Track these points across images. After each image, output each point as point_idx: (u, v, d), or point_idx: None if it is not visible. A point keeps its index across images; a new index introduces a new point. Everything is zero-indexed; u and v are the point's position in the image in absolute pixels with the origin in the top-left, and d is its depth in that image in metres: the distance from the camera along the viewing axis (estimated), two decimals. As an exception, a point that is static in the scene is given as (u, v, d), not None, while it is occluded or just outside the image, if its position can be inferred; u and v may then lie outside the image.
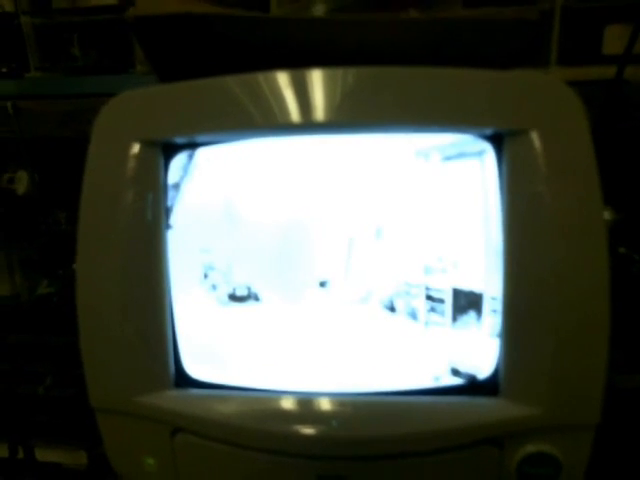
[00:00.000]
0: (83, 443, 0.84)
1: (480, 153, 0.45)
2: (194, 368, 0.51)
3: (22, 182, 0.98)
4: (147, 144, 0.48)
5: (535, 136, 0.43)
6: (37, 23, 0.93)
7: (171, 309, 0.50)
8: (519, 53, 0.55)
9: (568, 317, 0.44)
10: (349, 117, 0.44)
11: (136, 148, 0.48)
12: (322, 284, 0.48)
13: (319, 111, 0.44)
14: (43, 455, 0.88)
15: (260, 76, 0.45)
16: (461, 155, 0.46)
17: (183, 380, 0.51)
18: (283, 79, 0.45)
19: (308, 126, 0.44)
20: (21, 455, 0.87)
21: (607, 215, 0.70)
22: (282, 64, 0.45)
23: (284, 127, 0.45)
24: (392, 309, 0.48)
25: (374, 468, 0.48)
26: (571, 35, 0.76)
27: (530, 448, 0.46)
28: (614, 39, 0.75)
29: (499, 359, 0.47)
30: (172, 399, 0.50)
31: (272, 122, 0.45)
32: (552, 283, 0.44)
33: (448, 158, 0.46)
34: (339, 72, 0.44)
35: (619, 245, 0.68)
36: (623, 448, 0.57)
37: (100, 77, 0.88)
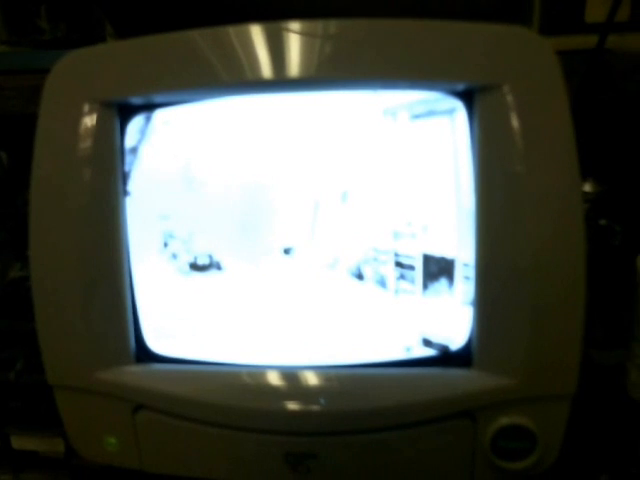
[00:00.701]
0: (60, 430, 0.82)
1: (450, 111, 0.43)
2: (156, 342, 0.49)
3: (-9, 161, 0.94)
4: (102, 105, 0.45)
5: (507, 91, 0.41)
6: (3, -5, 0.90)
7: (130, 280, 0.48)
8: (501, 14, 0.53)
9: (544, 284, 0.42)
10: (319, 72, 0.42)
11: (90, 110, 0.45)
12: (286, 251, 0.46)
13: (291, 66, 0.42)
14: (19, 443, 0.86)
15: (230, 29, 0.43)
16: (430, 113, 0.43)
17: (144, 355, 0.49)
18: (255, 32, 0.42)
19: (279, 82, 0.42)
20: (-4, 444, 0.85)
21: (589, 187, 0.69)
22: (250, 18, 0.43)
23: (253, 83, 0.43)
24: (360, 276, 0.46)
25: (343, 444, 0.46)
26: (553, 3, 0.73)
27: (504, 421, 0.44)
28: (597, 6, 0.72)
29: (472, 329, 0.45)
30: (133, 375, 0.48)
31: (240, 78, 0.43)
32: (528, 249, 0.42)
33: (417, 117, 0.44)
34: (311, 25, 0.42)
35: (600, 217, 0.67)
36: (601, 425, 0.55)
37: (69, 51, 0.84)
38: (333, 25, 0.42)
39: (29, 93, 0.86)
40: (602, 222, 0.66)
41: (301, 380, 0.46)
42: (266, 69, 0.42)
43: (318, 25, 0.42)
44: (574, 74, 0.69)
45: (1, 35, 0.91)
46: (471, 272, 0.44)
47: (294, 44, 0.42)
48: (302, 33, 0.42)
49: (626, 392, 0.58)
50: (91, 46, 0.46)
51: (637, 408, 0.50)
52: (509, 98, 0.41)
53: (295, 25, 0.42)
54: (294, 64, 0.42)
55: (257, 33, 0.42)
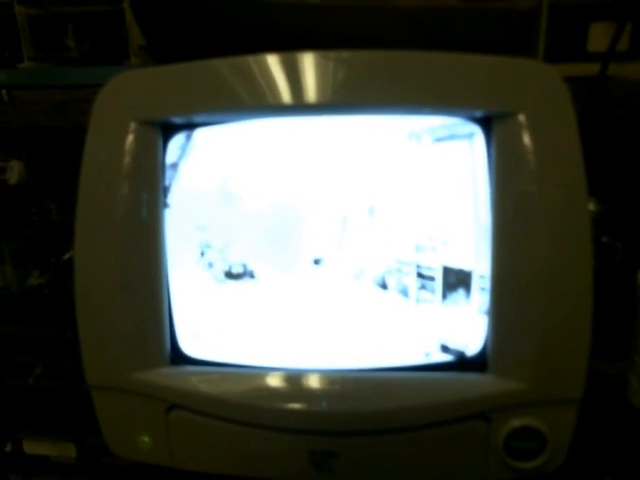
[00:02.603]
0: (71, 435, 0.84)
1: (470, 135, 0.47)
2: (190, 346, 0.52)
3: (14, 172, 0.98)
4: (146, 124, 0.49)
5: (522, 119, 0.45)
6: (31, 13, 0.93)
7: (168, 287, 0.51)
8: (509, 44, 0.56)
9: (554, 295, 0.46)
10: (338, 99, 0.45)
11: (135, 128, 0.49)
12: (316, 261, 0.49)
13: (308, 93, 0.45)
14: (31, 448, 0.88)
15: (250, 59, 0.46)
16: (452, 137, 0.47)
17: (179, 357, 0.52)
18: (273, 61, 0.46)
19: (298, 107, 0.46)
20: (9, 448, 0.87)
21: (591, 206, 0.72)
22: (275, 48, 0.47)
23: (274, 108, 0.46)
24: (384, 286, 0.49)
25: (364, 443, 0.49)
26: (557, 32, 0.77)
27: (516, 422, 0.48)
28: (599, 36, 0.77)
29: (487, 336, 0.48)
30: (167, 376, 0.51)
31: (262, 103, 0.46)
32: (539, 263, 0.45)
33: (439, 140, 0.47)
34: (330, 55, 0.46)
35: (602, 235, 0.70)
36: (605, 430, 0.59)
37: (94, 68, 0.88)
38: (346, 56, 0.45)
39: (53, 108, 0.89)
40: (604, 239, 0.70)
41: (326, 383, 0.49)
42: (284, 95, 0.45)
43: (331, 55, 0.45)
44: (576, 99, 0.73)
45: (29, 52, 0.95)
46: (487, 283, 0.47)
47: (309, 72, 0.45)
48: (316, 63, 0.45)
49: (628, 399, 0.62)
50: (137, 69, 0.50)
51: (638, 414, 0.53)
52: (524, 125, 0.45)
53: (309, 55, 0.45)
54: (310, 91, 0.45)
55: (274, 62, 0.46)
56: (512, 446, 0.48)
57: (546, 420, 0.47)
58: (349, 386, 0.49)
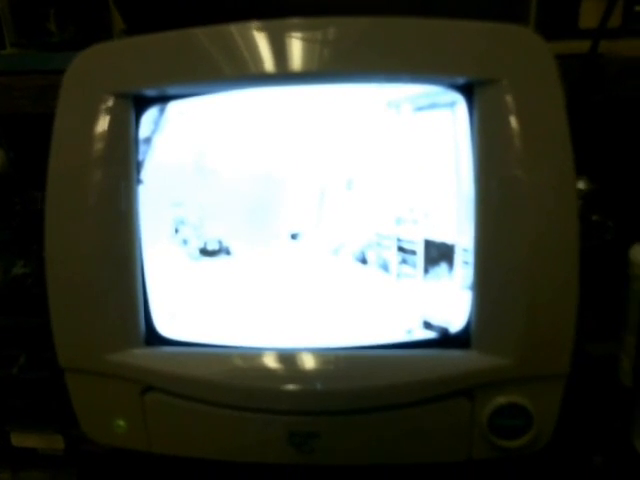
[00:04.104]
0: (58, 427, 0.83)
1: (451, 104, 0.45)
2: (165, 326, 0.50)
3: (-4, 160, 0.96)
4: (118, 97, 0.47)
5: (505, 85, 0.43)
6: (12, -1, 0.92)
7: (142, 265, 0.49)
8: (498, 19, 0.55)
9: (539, 269, 0.44)
10: (321, 66, 0.44)
11: (107, 101, 0.47)
12: (293, 236, 0.48)
13: (292, 61, 0.44)
14: (19, 440, 0.87)
15: (231, 27, 0.45)
16: (432, 106, 0.46)
17: (154, 338, 0.51)
18: (256, 29, 0.44)
19: (281, 76, 0.44)
20: (-5, 442, 0.85)
21: (582, 185, 0.71)
22: (255, 16, 0.45)
23: (256, 77, 0.45)
24: (364, 261, 0.48)
25: (346, 423, 0.48)
26: (548, 9, 0.76)
27: (501, 399, 0.46)
28: (591, 13, 0.75)
29: (471, 311, 0.47)
30: (142, 357, 0.50)
31: (243, 72, 0.45)
32: (524, 235, 0.44)
33: (419, 109, 0.46)
34: (313, 22, 0.44)
35: (593, 213, 0.69)
36: (595, 410, 0.57)
37: (77, 53, 0.86)
38: (334, 22, 0.44)
39: (37, 93, 0.88)
40: (595, 218, 0.69)
41: (305, 361, 0.48)
42: (268, 63, 0.44)
43: (318, 22, 0.44)
44: (568, 77, 0.71)
45: (10, 38, 0.93)
46: (470, 257, 0.46)
47: (295, 40, 0.44)
48: (302, 30, 0.44)
49: (618, 380, 0.60)
50: (108, 41, 0.48)
51: (628, 394, 0.52)
52: (507, 92, 0.44)
53: (295, 22, 0.44)
54: (296, 59, 0.44)
55: (259, 30, 0.44)
56: (497, 424, 0.46)
57: (532, 397, 0.46)
58: (329, 365, 0.48)
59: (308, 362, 0.48)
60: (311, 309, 0.49)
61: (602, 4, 0.73)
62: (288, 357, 0.48)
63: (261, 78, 0.45)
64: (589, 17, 0.76)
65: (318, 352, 0.48)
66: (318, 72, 0.44)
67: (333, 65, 0.44)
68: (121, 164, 0.48)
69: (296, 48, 0.44)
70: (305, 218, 0.48)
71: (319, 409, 0.47)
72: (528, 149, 0.44)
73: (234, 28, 0.45)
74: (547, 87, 0.44)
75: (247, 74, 0.45)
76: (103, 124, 0.47)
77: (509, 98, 0.44)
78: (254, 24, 0.45)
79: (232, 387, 0.48)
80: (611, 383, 0.60)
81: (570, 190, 0.44)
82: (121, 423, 0.51)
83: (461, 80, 0.45)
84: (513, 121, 0.44)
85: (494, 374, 0.46)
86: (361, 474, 0.50)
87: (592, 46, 0.71)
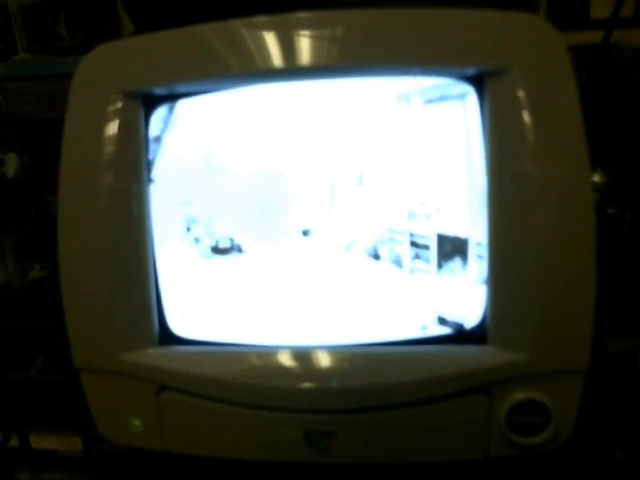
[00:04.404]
0: (77, 429, 0.84)
1: (462, 96, 0.45)
2: (178, 325, 0.50)
3: (11, 165, 0.97)
4: (127, 96, 0.47)
5: (515, 75, 0.43)
6: (24, 3, 0.93)
7: (154, 265, 0.49)
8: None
9: (555, 262, 0.44)
10: (330, 60, 0.44)
11: (116, 101, 0.47)
12: (305, 233, 0.48)
13: (299, 55, 0.43)
14: (37, 442, 0.88)
15: (238, 22, 0.45)
16: (443, 98, 0.45)
17: (168, 338, 0.51)
18: (263, 24, 0.44)
19: (289, 71, 0.44)
20: (15, 443, 0.86)
21: (598, 177, 0.70)
22: (262, 11, 0.45)
23: (264, 73, 0.44)
24: (376, 256, 0.47)
25: (362, 421, 0.47)
26: (559, 0, 0.75)
27: (519, 396, 0.45)
28: (602, 3, 0.74)
29: (486, 306, 0.46)
30: (156, 356, 0.50)
31: (252, 68, 0.44)
32: (538, 228, 0.43)
33: (430, 101, 0.45)
34: (319, 16, 0.44)
35: (610, 206, 0.68)
36: (615, 406, 0.56)
37: (87, 56, 0.86)
38: (342, 15, 0.44)
39: (48, 98, 0.89)
40: (611, 211, 0.68)
41: (319, 359, 0.48)
42: (276, 59, 0.44)
43: (327, 15, 0.44)
44: (581, 68, 0.70)
45: (22, 43, 0.94)
46: (484, 251, 0.45)
47: (303, 34, 0.43)
48: (311, 23, 0.44)
49: (638, 375, 0.59)
50: (116, 41, 0.48)
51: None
52: (517, 81, 0.43)
53: (303, 16, 0.44)
54: (304, 53, 0.43)
55: (266, 25, 0.44)
56: (515, 420, 0.45)
57: (550, 393, 0.45)
58: (344, 362, 0.47)
59: (323, 360, 0.47)
60: (324, 306, 0.48)
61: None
62: (303, 355, 0.48)
63: (269, 73, 0.45)
64: (600, 7, 0.75)
65: (333, 350, 0.48)
66: (327, 66, 0.44)
67: (342, 59, 0.44)
68: (132, 163, 0.48)
69: (304, 43, 0.43)
70: (316, 214, 0.47)
71: (335, 407, 0.47)
72: (541, 141, 0.43)
73: (241, 24, 0.45)
74: (559, 77, 0.43)
75: (255, 70, 0.44)
76: (113, 124, 0.47)
77: (520, 88, 0.43)
78: (261, 19, 0.44)
79: (247, 385, 0.47)
80: (631, 378, 0.59)
81: (585, 183, 0.44)
82: (137, 423, 0.51)
83: (471, 71, 0.44)
84: (525, 112, 0.43)
85: (511, 370, 0.45)
86: (376, 472, 0.50)
87: (605, 36, 0.70)
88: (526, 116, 0.43)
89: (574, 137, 0.43)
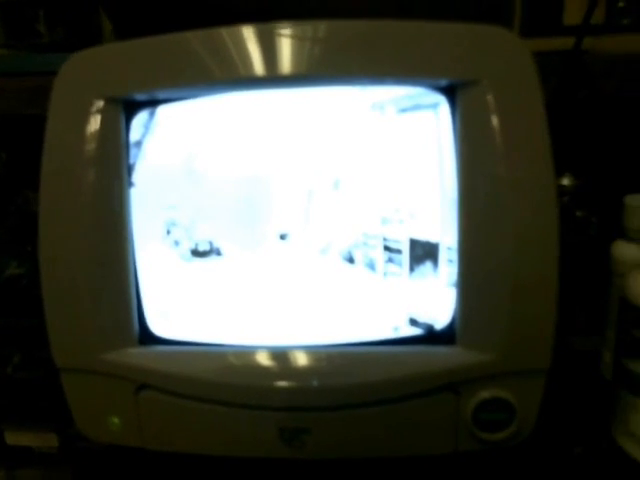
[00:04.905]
0: (53, 425, 0.84)
1: (434, 105, 0.46)
2: (158, 325, 0.51)
3: (-10, 161, 0.96)
4: (108, 101, 0.48)
5: (486, 86, 0.44)
6: (1, 0, 0.92)
7: (134, 266, 0.50)
8: (485, 18, 0.56)
9: (521, 266, 0.45)
10: (310, 69, 0.45)
11: (97, 105, 0.48)
12: (282, 237, 0.49)
13: (280, 63, 0.45)
14: (13, 439, 0.87)
15: (222, 30, 0.46)
16: (416, 107, 0.47)
17: (147, 338, 0.52)
18: (246, 33, 0.45)
19: (270, 78, 0.45)
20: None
21: (567, 181, 0.72)
22: (241, 20, 0.46)
23: (246, 80, 0.46)
24: (351, 260, 0.49)
25: (336, 418, 0.49)
26: (533, 6, 0.77)
27: (485, 394, 0.48)
28: (575, 9, 0.76)
29: (455, 309, 0.48)
30: (136, 356, 0.51)
31: (234, 76, 0.45)
32: (506, 234, 0.45)
33: (403, 110, 0.47)
34: (299, 25, 0.45)
35: (577, 209, 0.70)
36: (577, 403, 0.59)
37: (67, 54, 0.87)
38: (322, 26, 0.45)
39: (28, 95, 0.88)
40: (579, 214, 0.70)
41: (295, 359, 0.49)
42: (258, 67, 0.45)
43: (307, 26, 0.45)
44: (553, 73, 0.73)
45: (0, 39, 0.94)
46: (454, 255, 0.47)
47: (284, 43, 0.45)
48: (292, 33, 0.45)
49: (601, 373, 0.62)
50: (97, 46, 0.49)
51: (609, 387, 0.53)
52: (488, 93, 0.45)
53: (285, 25, 0.45)
54: (285, 62, 0.45)
55: (248, 33, 0.45)
56: (481, 418, 0.48)
57: (514, 391, 0.48)
58: (319, 362, 0.49)
59: (298, 359, 0.49)
60: (300, 308, 0.50)
61: (585, 0, 0.74)
62: (279, 355, 0.49)
63: (251, 81, 0.46)
64: (573, 13, 0.78)
65: (308, 350, 0.49)
66: (306, 75, 0.45)
67: (321, 68, 0.45)
68: (112, 167, 0.49)
69: (285, 51, 0.45)
70: (293, 219, 0.49)
71: (309, 405, 0.48)
72: (509, 148, 0.45)
73: (224, 31, 0.46)
74: (527, 87, 0.45)
75: (237, 77, 0.45)
76: (94, 128, 0.48)
77: (490, 98, 0.45)
78: (244, 28, 0.45)
79: (224, 384, 0.49)
80: (594, 377, 0.62)
81: (550, 188, 0.45)
82: (115, 420, 0.52)
83: (443, 82, 0.46)
84: (494, 121, 0.45)
85: (478, 369, 0.47)
86: (350, 466, 0.52)
87: (576, 43, 0.72)
88: (495, 125, 0.45)
89: (540, 144, 0.45)
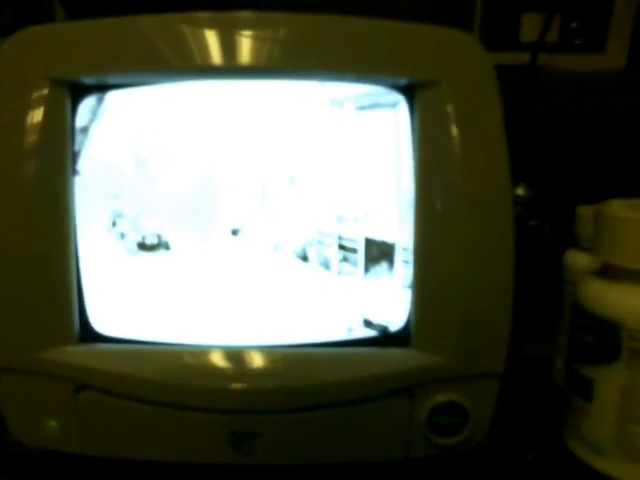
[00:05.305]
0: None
1: (394, 104, 0.46)
2: (101, 323, 0.49)
3: None
4: (53, 84, 0.45)
5: (444, 87, 0.44)
6: (-52, -17, 0.88)
7: (77, 259, 0.48)
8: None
9: (476, 270, 0.45)
10: (269, 61, 0.44)
11: (41, 87, 0.45)
12: (234, 232, 0.47)
13: (238, 54, 0.43)
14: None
15: (179, 17, 0.44)
16: (375, 106, 0.46)
17: (88, 335, 0.49)
18: (204, 20, 0.44)
19: (227, 69, 0.44)
20: None
21: (521, 191, 0.74)
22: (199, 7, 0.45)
23: (202, 69, 0.44)
24: (305, 258, 0.48)
25: (287, 422, 0.47)
26: (491, 21, 0.79)
27: (439, 397, 0.47)
28: (531, 27, 0.78)
29: (410, 311, 0.47)
30: (76, 354, 0.48)
31: (189, 64, 0.44)
32: (461, 237, 0.45)
33: (362, 108, 0.46)
34: (260, 17, 0.44)
35: (531, 219, 0.72)
36: (529, 409, 0.59)
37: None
38: (283, 18, 0.44)
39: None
40: (532, 223, 0.71)
41: (245, 359, 0.47)
42: (215, 56, 0.43)
43: (267, 17, 0.44)
44: (509, 87, 0.74)
45: (-55, 23, 0.89)
46: (410, 256, 0.46)
47: (243, 34, 0.43)
48: (251, 24, 0.44)
49: (553, 380, 0.63)
50: (44, 25, 0.46)
51: (561, 393, 0.53)
52: (446, 95, 0.44)
53: (244, 15, 0.44)
54: (243, 52, 0.43)
55: (206, 21, 0.44)
56: (435, 422, 0.47)
57: (468, 395, 0.47)
58: (269, 363, 0.47)
59: (247, 360, 0.47)
60: (251, 306, 0.48)
61: (541, 19, 0.77)
62: (226, 355, 0.48)
63: (206, 70, 0.44)
64: (529, 31, 0.80)
65: (258, 350, 0.48)
66: (265, 67, 0.44)
67: (280, 60, 0.44)
68: (56, 153, 0.46)
69: (244, 42, 0.43)
70: (246, 214, 0.47)
71: (259, 407, 0.47)
72: (466, 153, 0.45)
73: (181, 18, 0.44)
74: (486, 93, 0.45)
75: (192, 65, 0.44)
76: (38, 112, 0.45)
77: (448, 101, 0.45)
78: (202, 15, 0.44)
79: (170, 385, 0.47)
80: (546, 383, 0.63)
81: (506, 195, 0.46)
82: (52, 424, 0.49)
83: (402, 81, 0.45)
84: (451, 124, 0.44)
85: (432, 372, 0.47)
86: (299, 473, 0.50)
87: (532, 59, 0.75)
88: (453, 128, 0.45)
89: (497, 151, 0.45)
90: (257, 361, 0.47)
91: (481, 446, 0.49)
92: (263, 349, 0.48)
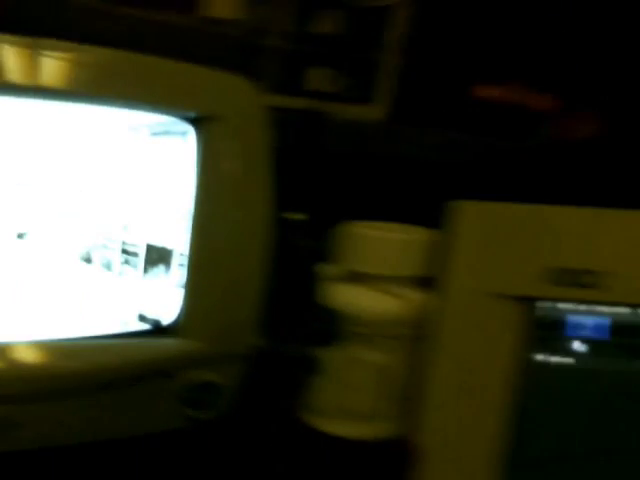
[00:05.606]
0: None
1: (184, 133, 0.55)
2: None
3: None
4: None
5: (221, 121, 0.54)
6: None
7: None
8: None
9: (234, 276, 0.56)
10: (68, 86, 0.48)
11: None
12: (20, 236, 0.52)
13: (40, 75, 0.46)
14: None
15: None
16: (167, 133, 0.55)
17: None
18: (7, 42, 0.46)
19: (28, 88, 0.46)
20: None
21: (297, 216, 0.87)
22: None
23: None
24: (88, 260, 0.54)
25: (49, 409, 0.50)
26: (279, 70, 0.93)
27: (196, 377, 0.55)
28: (314, 78, 0.94)
29: (181, 306, 0.56)
30: None
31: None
32: (224, 246, 0.55)
33: (155, 134, 0.55)
34: (64, 45, 0.48)
35: (301, 238, 0.85)
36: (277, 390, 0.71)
37: None
38: (84, 50, 0.49)
39: None
40: (303, 243, 0.84)
41: (12, 353, 0.48)
42: (15, 74, 0.45)
43: (72, 47, 0.48)
44: (292, 127, 0.88)
45: None
46: (185, 260, 0.55)
47: (47, 58, 0.47)
48: (56, 50, 0.47)
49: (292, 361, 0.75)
50: None
51: (299, 372, 0.66)
52: (221, 128, 0.53)
53: (49, 43, 0.47)
54: (45, 75, 0.46)
55: (10, 43, 0.46)
56: (192, 397, 0.55)
57: (221, 374, 0.56)
58: (35, 355, 0.49)
59: (15, 353, 0.49)
60: (27, 303, 0.52)
61: (323, 72, 0.92)
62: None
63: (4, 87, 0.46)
64: (313, 81, 0.95)
65: (26, 344, 0.49)
66: (65, 91, 0.48)
67: (78, 86, 0.48)
68: None
69: (47, 65, 0.47)
70: (32, 219, 0.51)
71: (20, 397, 0.48)
72: (234, 180, 0.54)
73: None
74: (256, 129, 0.55)
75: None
76: None
77: (223, 134, 0.53)
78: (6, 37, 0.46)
79: None
80: (291, 368, 0.75)
81: (266, 218, 0.56)
82: None
83: (191, 114, 0.54)
84: (223, 155, 0.54)
85: (192, 356, 0.55)
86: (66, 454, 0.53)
87: (312, 107, 0.89)
88: (225, 158, 0.54)
89: (262, 179, 0.56)
90: (23, 354, 0.49)
91: (233, 418, 0.59)
92: (35, 343, 0.50)
